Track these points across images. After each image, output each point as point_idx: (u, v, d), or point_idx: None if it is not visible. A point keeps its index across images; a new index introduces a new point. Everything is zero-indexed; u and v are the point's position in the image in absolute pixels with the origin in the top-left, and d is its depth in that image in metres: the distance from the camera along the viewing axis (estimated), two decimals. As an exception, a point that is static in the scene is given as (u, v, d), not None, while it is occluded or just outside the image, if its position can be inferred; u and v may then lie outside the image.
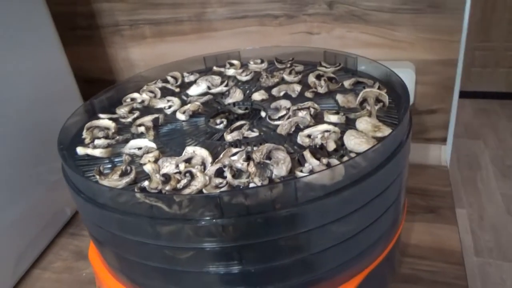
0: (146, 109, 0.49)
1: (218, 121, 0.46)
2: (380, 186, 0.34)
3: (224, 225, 0.31)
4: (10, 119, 0.54)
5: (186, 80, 0.55)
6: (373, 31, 0.65)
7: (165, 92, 0.52)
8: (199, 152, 0.37)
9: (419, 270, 0.51)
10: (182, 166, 0.35)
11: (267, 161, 0.35)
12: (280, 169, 0.34)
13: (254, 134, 0.41)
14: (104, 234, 0.36)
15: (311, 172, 0.32)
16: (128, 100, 0.51)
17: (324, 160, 0.34)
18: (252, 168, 0.34)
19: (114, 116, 0.47)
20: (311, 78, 0.49)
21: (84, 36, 0.76)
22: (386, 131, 0.38)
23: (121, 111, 0.48)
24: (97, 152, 0.39)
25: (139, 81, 0.55)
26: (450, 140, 0.71)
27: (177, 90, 0.53)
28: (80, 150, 0.40)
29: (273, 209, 0.30)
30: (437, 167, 0.70)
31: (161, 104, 0.49)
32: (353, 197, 0.33)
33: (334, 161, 0.34)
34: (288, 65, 0.55)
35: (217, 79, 0.53)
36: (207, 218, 0.31)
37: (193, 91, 0.51)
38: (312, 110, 0.43)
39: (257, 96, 0.48)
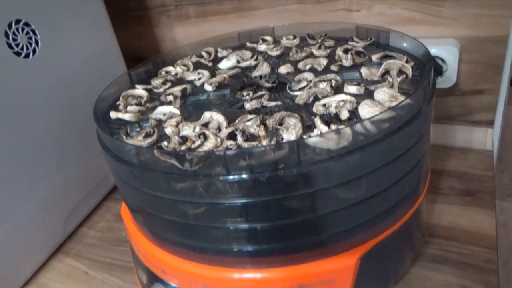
0: (179, 81, 0.52)
1: (244, 93, 0.48)
2: (389, 155, 0.34)
3: (230, 183, 0.33)
4: (63, 94, 0.60)
5: (219, 55, 0.57)
6: (415, 7, 0.62)
7: (198, 66, 0.55)
8: (216, 117, 0.39)
9: (448, 251, 0.50)
10: (197, 129, 0.37)
11: (279, 127, 0.36)
12: (289, 134, 0.35)
13: (273, 103, 0.42)
14: (128, 190, 0.39)
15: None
16: (163, 73, 0.54)
17: (334, 127, 0.34)
18: (262, 132, 0.35)
19: (149, 87, 0.51)
20: (339, 52, 0.49)
21: (134, 17, 0.81)
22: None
23: (155, 82, 0.51)
24: (126, 116, 0.43)
25: (175, 56, 0.59)
26: (498, 124, 0.67)
27: (210, 64, 0.56)
28: (113, 114, 0.44)
29: (276, 169, 0.32)
30: (481, 151, 0.67)
31: (192, 76, 0.51)
32: (359, 163, 0.33)
33: (344, 127, 0.34)
34: (319, 40, 0.55)
35: (247, 54, 0.55)
36: (214, 175, 0.33)
37: (223, 64, 0.53)
38: (333, 82, 0.43)
39: (283, 69, 0.49)
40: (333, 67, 0.47)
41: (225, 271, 0.37)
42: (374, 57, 0.48)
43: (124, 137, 0.39)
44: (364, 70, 0.45)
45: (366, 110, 0.36)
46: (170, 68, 0.54)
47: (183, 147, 0.36)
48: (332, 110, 0.38)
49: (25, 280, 0.57)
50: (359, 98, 0.39)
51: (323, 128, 0.35)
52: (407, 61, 0.44)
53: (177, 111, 0.42)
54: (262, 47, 0.57)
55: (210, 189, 0.34)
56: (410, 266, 0.48)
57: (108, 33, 0.69)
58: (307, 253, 0.36)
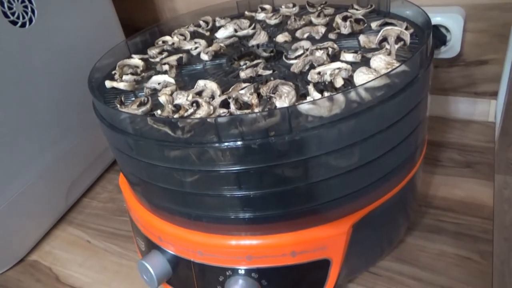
0: (175, 51, 0.51)
1: (242, 63, 0.47)
2: (383, 122, 0.34)
3: (222, 150, 0.33)
4: (62, 64, 0.59)
5: (217, 24, 0.57)
6: (419, -27, 0.60)
7: (196, 36, 0.54)
8: (210, 85, 0.38)
9: (444, 222, 0.50)
10: (190, 97, 0.37)
11: (272, 95, 0.36)
12: (282, 102, 0.35)
13: (268, 72, 0.41)
14: (123, 158, 0.40)
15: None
16: (160, 42, 0.53)
17: (327, 94, 0.34)
18: (255, 100, 0.35)
19: (145, 56, 0.50)
20: (337, 20, 0.48)
21: (133, -13, 0.80)
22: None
23: (152, 52, 0.50)
24: (121, 85, 0.43)
25: (173, 25, 0.58)
26: (503, 95, 0.65)
27: (207, 34, 0.55)
28: (108, 83, 0.44)
29: (267, 136, 0.32)
30: (483, 123, 0.66)
31: (188, 45, 0.51)
32: (352, 130, 0.32)
33: (336, 94, 0.34)
34: (319, 8, 0.54)
35: (245, 22, 0.54)
36: (206, 143, 0.33)
37: (221, 34, 0.52)
38: (330, 50, 0.42)
39: (281, 38, 0.48)
40: (331, 35, 0.46)
41: (219, 238, 0.38)
42: (374, 25, 0.46)
43: (118, 105, 0.39)
44: (362, 38, 0.44)
45: (361, 78, 0.35)
46: (167, 38, 0.54)
47: (176, 115, 0.36)
48: (327, 78, 0.37)
49: (30, 247, 0.58)
50: (355, 66, 0.38)
51: (316, 95, 0.34)
52: (406, 28, 0.43)
53: (172, 80, 0.42)
54: (260, 15, 0.56)
55: (202, 157, 0.34)
56: (405, 236, 0.49)
57: (106, 3, 0.68)
58: (300, 220, 0.36)
